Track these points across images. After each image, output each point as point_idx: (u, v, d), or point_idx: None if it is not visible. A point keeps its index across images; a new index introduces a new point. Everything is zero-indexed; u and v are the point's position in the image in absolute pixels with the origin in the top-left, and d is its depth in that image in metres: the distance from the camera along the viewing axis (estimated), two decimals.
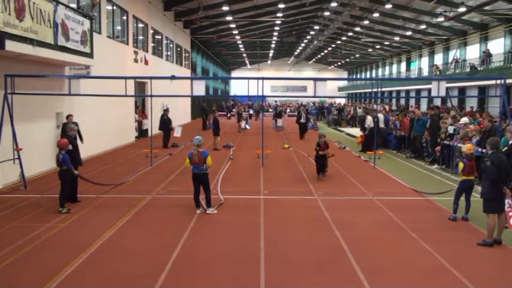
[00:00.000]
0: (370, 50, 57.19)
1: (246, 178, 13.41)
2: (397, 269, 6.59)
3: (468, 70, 33.04)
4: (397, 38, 46.29)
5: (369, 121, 19.96)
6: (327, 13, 40.82)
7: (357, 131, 24.50)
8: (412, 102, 46.46)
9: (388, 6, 31.51)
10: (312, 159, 14.71)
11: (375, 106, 24.82)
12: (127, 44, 22.37)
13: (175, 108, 28.42)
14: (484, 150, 11.96)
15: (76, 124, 13.01)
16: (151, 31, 27.10)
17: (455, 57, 38.86)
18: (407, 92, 47.84)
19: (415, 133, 17.46)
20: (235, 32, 43.78)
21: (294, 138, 25.32)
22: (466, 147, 9.19)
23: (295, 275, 6.31)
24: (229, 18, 35.57)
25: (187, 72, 38.75)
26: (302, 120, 26.19)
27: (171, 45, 33.20)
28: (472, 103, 34.79)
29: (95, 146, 17.26)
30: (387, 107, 32.26)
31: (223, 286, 6.02)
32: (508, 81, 15.89)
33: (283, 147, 20.57)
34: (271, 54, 70.44)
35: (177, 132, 18.45)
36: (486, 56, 32.31)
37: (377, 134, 16.48)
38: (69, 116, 13.64)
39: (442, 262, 6.77)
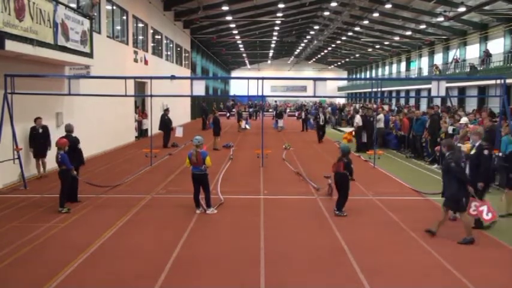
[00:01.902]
0: (370, 49, 57.20)
1: (246, 178, 13.40)
2: (397, 269, 6.60)
3: (468, 70, 33.05)
4: (396, 38, 46.30)
5: (357, 119, 20.14)
6: (326, 13, 40.87)
7: None
8: (412, 102, 46.49)
9: (388, 6, 31.53)
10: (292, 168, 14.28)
11: (374, 106, 24.82)
12: (127, 44, 22.37)
13: (175, 108, 28.41)
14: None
15: (46, 127, 12.73)
16: (151, 31, 27.11)
17: (455, 57, 38.88)
18: (407, 91, 47.87)
19: (415, 133, 17.47)
20: (235, 31, 43.79)
21: (294, 139, 25.31)
22: (467, 147, 9.18)
23: (295, 274, 6.32)
24: (229, 18, 35.59)
25: (187, 72, 38.75)
26: (321, 123, 24.28)
27: (171, 45, 33.20)
28: (472, 103, 34.80)
29: (95, 145, 17.26)
30: (386, 107, 32.24)
31: (223, 286, 6.03)
32: (508, 81, 15.88)
33: (284, 147, 20.49)
34: (271, 54, 70.44)
35: (178, 133, 18.47)
36: (486, 56, 32.33)
37: (376, 134, 16.48)
38: (37, 119, 12.59)
39: (442, 262, 6.78)
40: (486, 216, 7.84)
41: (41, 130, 12.63)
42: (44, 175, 12.83)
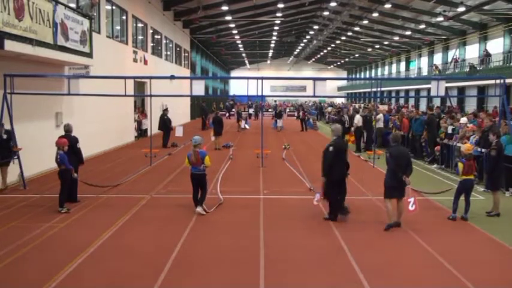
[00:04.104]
0: (369, 49, 57.21)
1: (246, 178, 13.40)
2: (396, 268, 6.60)
3: (467, 70, 33.09)
4: (396, 38, 46.32)
5: (357, 120, 20.02)
6: (326, 13, 40.89)
7: None
8: (412, 102, 46.54)
9: (388, 6, 31.55)
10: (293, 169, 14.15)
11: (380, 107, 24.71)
12: (126, 43, 22.36)
13: (174, 108, 28.40)
14: (483, 150, 11.98)
15: (9, 132, 11.23)
16: (151, 31, 27.10)
17: (454, 57, 38.89)
18: (407, 91, 47.88)
19: (414, 132, 17.51)
20: (235, 31, 43.78)
21: (294, 139, 25.31)
22: (465, 147, 9.21)
23: (294, 274, 6.32)
24: (228, 18, 35.58)
25: (186, 72, 38.73)
26: (346, 125, 21.36)
27: (171, 45, 33.19)
28: (471, 103, 34.85)
29: (95, 145, 17.25)
30: (381, 107, 32.25)
31: (223, 286, 6.02)
32: (507, 80, 15.88)
33: (284, 147, 20.47)
34: (270, 54, 70.44)
35: (178, 132, 18.46)
36: (485, 56, 32.35)
37: (376, 133, 16.49)
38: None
39: (442, 261, 6.78)
40: (410, 207, 8.41)
41: (5, 136, 11.11)
42: (3, 188, 11.28)
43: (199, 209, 9.25)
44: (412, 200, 8.37)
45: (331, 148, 8.85)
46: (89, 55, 14.78)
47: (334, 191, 8.86)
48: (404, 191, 8.44)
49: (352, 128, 20.89)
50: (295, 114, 46.32)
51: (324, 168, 8.86)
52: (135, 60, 23.40)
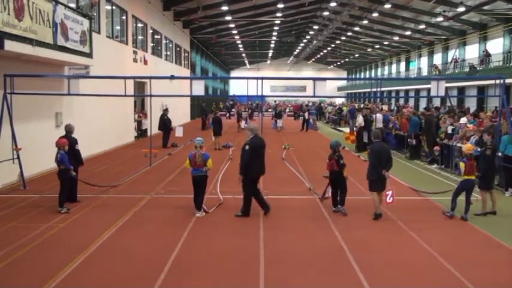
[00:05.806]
0: (369, 49, 57.19)
1: None
2: (396, 268, 6.60)
3: (467, 70, 33.09)
4: (396, 38, 46.31)
5: (360, 120, 20.00)
6: (326, 13, 40.88)
7: None
8: (412, 102, 46.53)
9: (388, 6, 31.55)
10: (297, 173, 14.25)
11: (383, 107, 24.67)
12: (126, 43, 22.36)
13: (174, 108, 28.40)
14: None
15: None
16: (151, 31, 27.10)
17: (454, 57, 38.89)
18: (407, 91, 47.86)
19: (409, 133, 17.58)
20: (235, 31, 43.78)
21: (293, 139, 25.29)
22: (466, 147, 9.22)
23: (294, 274, 6.32)
24: (228, 18, 35.58)
25: (186, 72, 38.73)
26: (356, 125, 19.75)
27: (171, 45, 33.20)
28: (471, 103, 34.83)
29: (95, 145, 17.26)
30: (386, 107, 32.24)
31: (223, 286, 6.02)
32: (507, 80, 15.87)
33: (283, 147, 20.50)
34: (270, 54, 70.41)
35: (178, 132, 18.45)
36: (485, 56, 32.36)
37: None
38: None
39: (441, 261, 6.78)
40: (388, 200, 8.86)
41: None
42: None
43: (198, 214, 9.23)
44: (390, 192, 8.73)
45: (247, 147, 9.25)
46: (89, 55, 14.78)
47: (251, 189, 9.16)
48: (385, 185, 8.88)
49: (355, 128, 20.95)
50: (295, 114, 46.42)
51: (241, 166, 9.16)
52: (135, 60, 23.40)
